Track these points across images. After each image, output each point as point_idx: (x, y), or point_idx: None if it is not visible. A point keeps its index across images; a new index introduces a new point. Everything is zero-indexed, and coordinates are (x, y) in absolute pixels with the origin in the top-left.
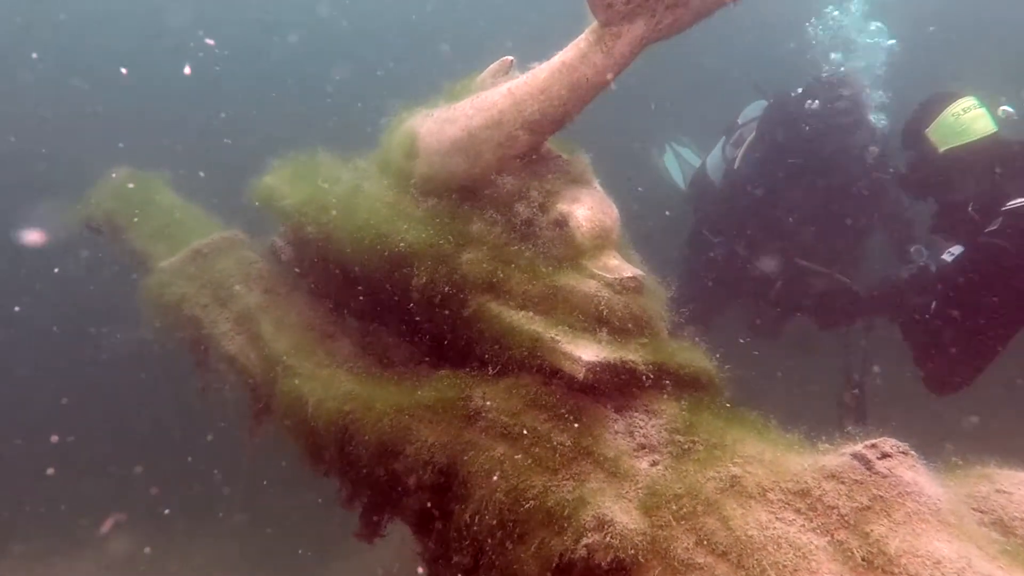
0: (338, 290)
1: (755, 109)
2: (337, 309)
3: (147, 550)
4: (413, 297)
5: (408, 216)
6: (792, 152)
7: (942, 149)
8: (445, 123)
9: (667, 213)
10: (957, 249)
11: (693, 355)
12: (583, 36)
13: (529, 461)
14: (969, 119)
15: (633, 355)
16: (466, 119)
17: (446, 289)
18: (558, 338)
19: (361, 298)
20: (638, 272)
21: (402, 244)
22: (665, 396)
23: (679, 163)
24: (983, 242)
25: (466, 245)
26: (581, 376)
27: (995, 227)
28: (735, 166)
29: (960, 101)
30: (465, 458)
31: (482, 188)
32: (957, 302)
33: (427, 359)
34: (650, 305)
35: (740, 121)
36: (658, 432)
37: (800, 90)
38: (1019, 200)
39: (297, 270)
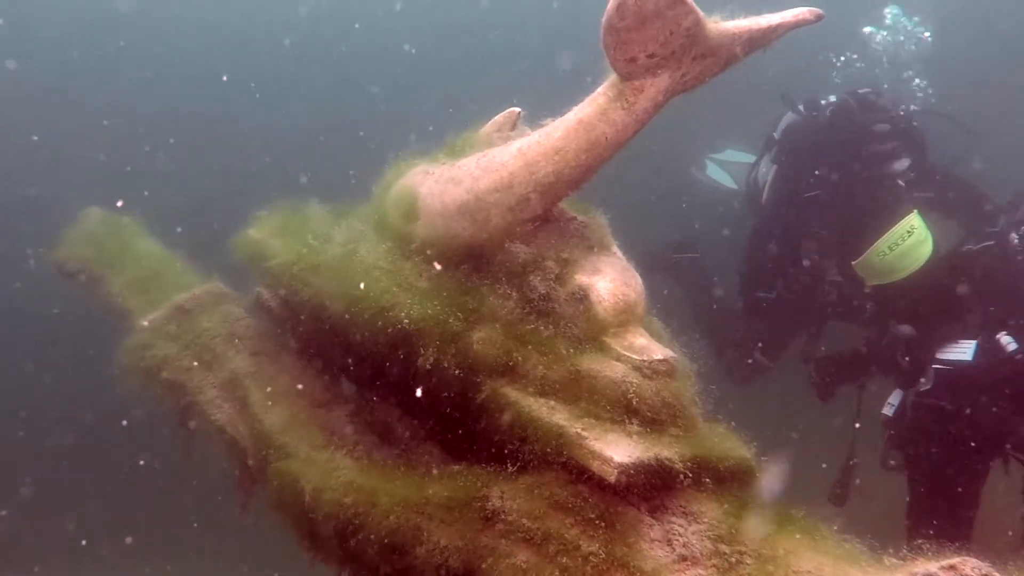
0: (332, 354)
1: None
2: (331, 371)
3: None
4: (419, 378)
5: (411, 287)
6: (810, 183)
7: (869, 284)
8: (448, 183)
9: (725, 232)
10: (896, 398)
11: (730, 444)
12: (601, 91)
13: (556, 572)
14: (895, 257)
15: (668, 451)
16: (472, 180)
17: (456, 372)
18: (584, 434)
19: (359, 367)
20: (668, 353)
21: (405, 321)
22: (704, 495)
23: (723, 168)
24: (923, 404)
25: (477, 322)
26: (613, 479)
27: (928, 386)
28: (763, 198)
29: (893, 233)
30: (483, 565)
31: (491, 255)
32: (915, 461)
33: (435, 438)
34: (682, 389)
35: (776, 136)
36: (700, 540)
37: (831, 99)
38: (947, 356)
39: (287, 330)
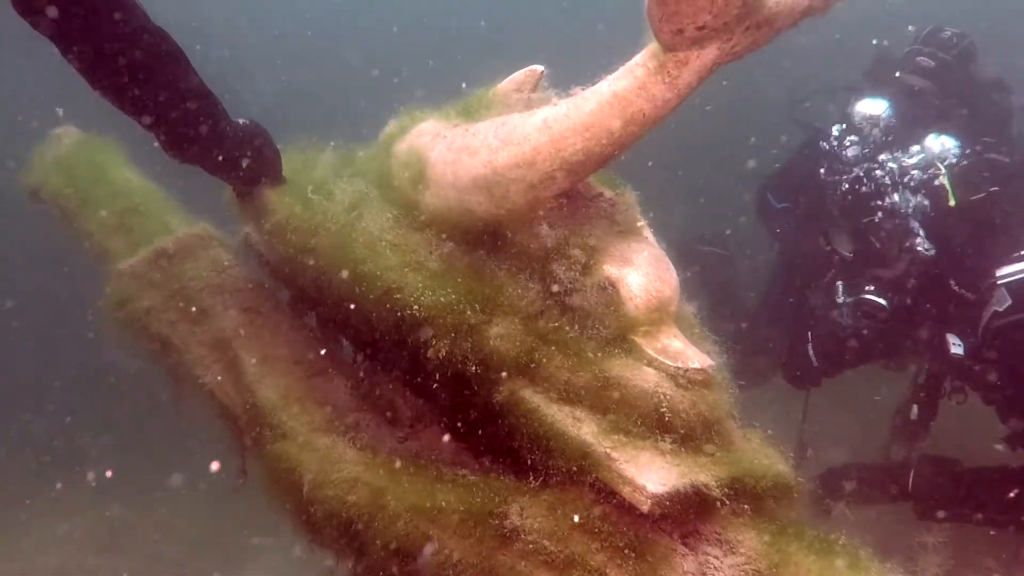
0: (331, 314)
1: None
2: (329, 329)
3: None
4: (430, 369)
5: (420, 267)
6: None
7: (952, 203)
8: (463, 152)
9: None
10: (956, 337)
11: (768, 459)
12: (640, 62)
13: None
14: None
15: (705, 475)
16: (490, 152)
17: (472, 368)
18: (614, 455)
19: (361, 335)
20: (707, 361)
21: (415, 307)
22: (741, 521)
23: None
24: (1012, 323)
25: (494, 314)
26: (645, 509)
27: (1007, 304)
28: None
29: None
30: None
31: (509, 234)
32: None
33: (443, 421)
34: (719, 401)
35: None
36: (737, 575)
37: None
38: (1013, 268)
39: (280, 278)
